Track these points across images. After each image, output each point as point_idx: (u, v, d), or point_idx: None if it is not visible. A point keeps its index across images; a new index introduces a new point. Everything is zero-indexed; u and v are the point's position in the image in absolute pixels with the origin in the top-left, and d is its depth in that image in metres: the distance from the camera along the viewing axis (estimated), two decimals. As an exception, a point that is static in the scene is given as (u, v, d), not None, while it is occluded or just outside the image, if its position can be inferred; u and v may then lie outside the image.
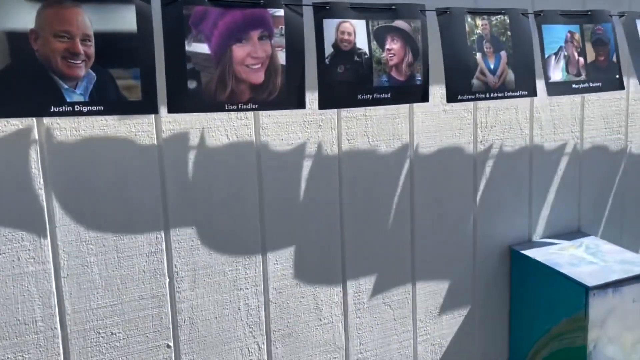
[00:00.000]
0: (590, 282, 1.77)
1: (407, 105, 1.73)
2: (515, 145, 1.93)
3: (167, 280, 1.48)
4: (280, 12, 1.21)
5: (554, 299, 1.86)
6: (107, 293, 1.42)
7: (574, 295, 1.80)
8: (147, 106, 1.12)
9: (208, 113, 1.45)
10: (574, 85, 1.64)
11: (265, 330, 1.62)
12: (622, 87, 1.74)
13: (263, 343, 1.62)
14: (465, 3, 1.58)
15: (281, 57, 1.22)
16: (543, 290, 1.90)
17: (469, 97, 1.45)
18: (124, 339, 1.45)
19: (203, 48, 1.15)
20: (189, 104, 1.14)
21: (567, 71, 1.62)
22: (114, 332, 1.44)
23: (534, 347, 1.96)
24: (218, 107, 1.17)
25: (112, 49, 1.10)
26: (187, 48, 1.14)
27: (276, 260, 1.61)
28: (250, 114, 1.50)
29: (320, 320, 1.70)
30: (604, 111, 2.09)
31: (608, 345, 1.83)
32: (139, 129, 1.39)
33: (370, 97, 1.32)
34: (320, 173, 1.63)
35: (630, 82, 2.12)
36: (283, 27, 1.22)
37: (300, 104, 1.26)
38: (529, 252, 1.94)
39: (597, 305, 1.78)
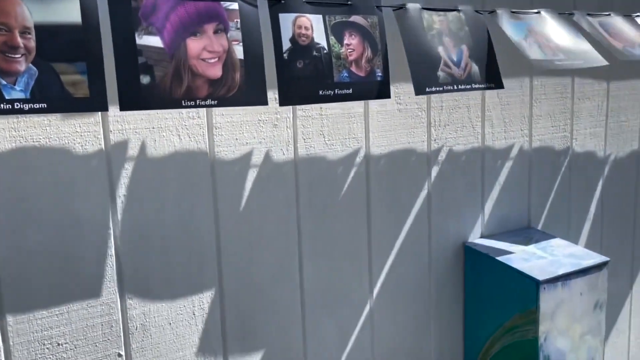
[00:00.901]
0: (540, 276, 1.82)
1: (362, 105, 1.73)
2: (467, 144, 1.97)
3: (117, 286, 1.41)
4: (235, 6, 1.17)
5: (507, 293, 1.91)
6: (52, 302, 1.33)
7: (525, 289, 1.84)
8: (96, 103, 1.06)
9: (159, 111, 1.40)
10: (557, 62, 1.63)
11: (221, 334, 1.57)
12: (604, 62, 1.72)
13: (220, 347, 1.57)
14: (418, 0, 1.59)
15: (238, 52, 1.18)
16: (496, 285, 1.94)
17: (437, 89, 1.44)
18: (71, 349, 1.37)
19: (155, 41, 1.09)
20: (142, 101, 1.08)
21: (544, 52, 1.62)
22: (60, 342, 1.36)
23: (487, 341, 2.00)
24: (175, 104, 1.11)
25: (55, 42, 1.03)
26: (137, 41, 1.08)
27: (232, 262, 1.56)
28: (202, 113, 1.46)
29: (279, 322, 1.66)
30: (550, 110, 2.16)
31: (558, 337, 1.89)
32: (85, 129, 1.32)
33: (332, 92, 1.30)
34: (276, 173, 1.60)
35: (575, 81, 2.20)
36: (238, 20, 1.18)
37: (263, 100, 1.22)
38: (481, 248, 1.98)
39: (547, 298, 1.84)
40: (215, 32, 1.15)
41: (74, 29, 1.04)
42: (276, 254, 1.63)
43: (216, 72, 1.14)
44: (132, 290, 1.43)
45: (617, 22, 1.90)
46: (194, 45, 1.13)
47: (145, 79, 1.08)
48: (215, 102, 1.14)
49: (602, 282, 1.96)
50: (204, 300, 1.53)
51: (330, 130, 1.68)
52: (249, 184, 1.56)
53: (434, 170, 1.91)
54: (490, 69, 1.55)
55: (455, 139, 1.93)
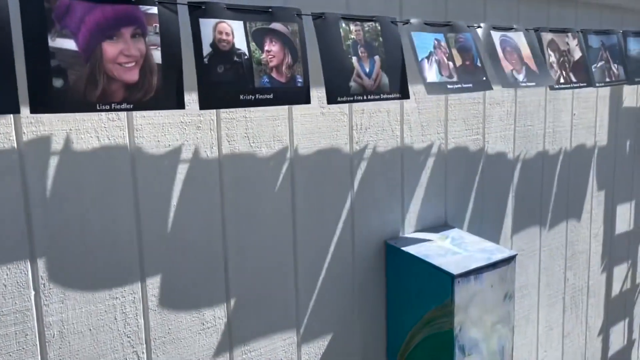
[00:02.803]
0: (455, 270, 1.93)
1: (286, 108, 1.77)
2: (387, 146, 2.05)
3: (33, 293, 1.37)
4: (154, 10, 1.18)
5: (425, 288, 2.01)
6: (-40, 312, 1.27)
7: (441, 284, 1.95)
8: (6, 104, 1.03)
9: (77, 113, 1.37)
10: (449, 86, 1.76)
11: (144, 339, 1.56)
12: (490, 88, 1.90)
13: (143, 352, 1.56)
14: (338, 8, 1.65)
15: (156, 56, 1.18)
16: (415, 280, 2.03)
17: (348, 98, 1.52)
18: (-19, 361, 1.32)
19: (69, 44, 1.08)
20: (54, 104, 1.07)
21: (441, 73, 1.75)
22: (-31, 354, 1.30)
23: (408, 334, 2.09)
24: (88, 107, 1.10)
25: (-40, 42, 1.00)
26: (50, 44, 1.06)
27: (154, 266, 1.55)
28: (122, 114, 1.44)
29: (204, 324, 1.67)
30: (464, 114, 2.29)
31: (472, 327, 2.02)
32: (-4, 129, 1.27)
33: (253, 97, 1.33)
34: (199, 176, 1.60)
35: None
36: (157, 25, 1.18)
37: (179, 104, 1.23)
38: (401, 245, 2.08)
39: (461, 291, 1.95)
40: (133, 36, 1.15)
41: (-19, 29, 1.01)
42: (200, 256, 1.64)
43: (132, 76, 1.14)
44: (49, 297, 1.39)
45: (519, 37, 2.05)
46: (110, 49, 1.12)
47: (58, 82, 1.06)
48: (131, 106, 1.14)
49: (510, 274, 2.11)
50: (126, 305, 1.51)
51: (255, 132, 1.70)
52: (171, 187, 1.56)
53: (357, 172, 1.98)
54: (399, 80, 1.65)
55: (376, 141, 2.01)
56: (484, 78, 1.87)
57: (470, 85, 1.82)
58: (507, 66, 1.96)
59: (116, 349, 1.51)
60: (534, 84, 2.03)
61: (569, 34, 2.26)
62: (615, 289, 3.35)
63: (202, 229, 1.63)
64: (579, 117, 2.85)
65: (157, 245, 1.55)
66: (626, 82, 2.50)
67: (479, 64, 1.88)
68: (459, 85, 1.78)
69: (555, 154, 2.77)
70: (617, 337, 3.46)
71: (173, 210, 1.56)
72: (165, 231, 1.56)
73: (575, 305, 3.06)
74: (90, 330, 1.46)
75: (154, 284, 1.55)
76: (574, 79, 2.23)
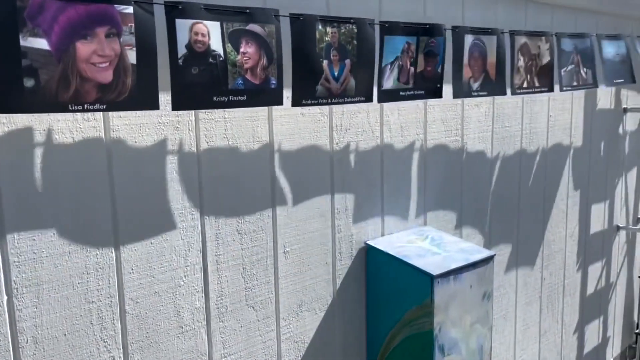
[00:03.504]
0: (434, 271, 1.94)
1: (266, 108, 1.76)
2: (368, 147, 2.06)
3: (5, 298, 1.34)
4: (130, 10, 1.16)
5: (405, 289, 2.02)
6: None
7: (421, 284, 1.96)
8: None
9: (51, 113, 1.34)
10: (401, 93, 1.80)
11: (121, 343, 1.54)
12: (440, 96, 1.94)
13: (120, 357, 1.54)
14: (318, 10, 1.65)
15: (131, 57, 1.17)
16: (395, 281, 2.04)
17: (313, 101, 1.53)
18: (-49, 368, 1.28)
19: (41, 44, 1.06)
20: (25, 104, 1.04)
21: (399, 80, 1.78)
22: (-62, 362, 1.26)
23: (388, 335, 2.10)
24: (60, 108, 1.08)
25: None
26: (22, 43, 1.04)
27: (131, 269, 1.53)
28: (99, 115, 1.42)
29: (182, 327, 1.65)
30: (443, 115, 2.31)
31: (451, 327, 2.03)
32: (-34, 131, 1.24)
33: (226, 99, 1.32)
34: (178, 176, 1.59)
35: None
36: (132, 25, 1.17)
37: (154, 105, 1.22)
38: (382, 247, 2.08)
39: (441, 291, 1.97)
40: (108, 36, 1.13)
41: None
42: (178, 258, 1.62)
43: (106, 76, 1.13)
44: (22, 301, 1.36)
45: (490, 43, 2.07)
46: (83, 48, 1.10)
47: (29, 82, 1.04)
48: (104, 106, 1.13)
49: (489, 274, 2.13)
50: (102, 309, 1.49)
51: (234, 133, 1.69)
52: (149, 188, 1.54)
53: (337, 173, 1.98)
54: (366, 83, 1.66)
55: (356, 142, 2.02)
56: (438, 85, 1.91)
57: (423, 92, 1.86)
58: (466, 73, 2.00)
59: (92, 354, 1.48)
60: (485, 93, 2.09)
61: (543, 38, 2.29)
62: (590, 288, 3.41)
63: (181, 230, 1.61)
64: (555, 118, 2.90)
65: (134, 248, 1.53)
66: (593, 86, 2.55)
67: (439, 70, 1.91)
68: (412, 92, 1.82)
69: (532, 155, 2.80)
70: (592, 335, 3.52)
71: (151, 212, 1.55)
72: (143, 233, 1.54)
73: (551, 303, 3.11)
74: (65, 335, 1.43)
75: (131, 287, 1.53)
76: (537, 84, 2.28)
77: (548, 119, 2.85)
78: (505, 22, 2.46)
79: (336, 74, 1.56)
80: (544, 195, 2.91)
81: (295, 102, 1.51)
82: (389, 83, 1.72)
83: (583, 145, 3.12)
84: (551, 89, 2.35)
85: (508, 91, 2.21)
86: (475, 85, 2.04)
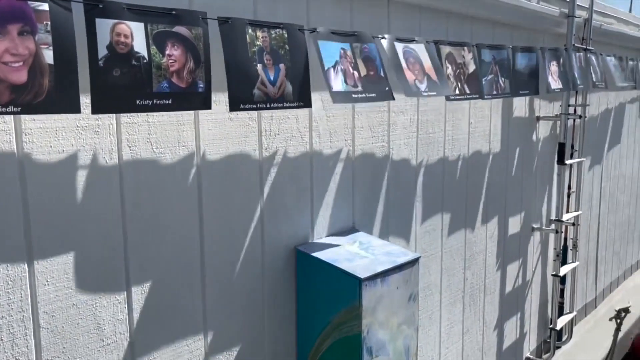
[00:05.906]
0: (362, 274, 1.98)
1: (192, 112, 1.72)
2: (297, 152, 2.06)
3: None
4: (45, 7, 1.10)
5: (334, 292, 2.04)
6: None
7: (349, 287, 1.99)
8: None
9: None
10: (353, 95, 1.81)
11: (36, 360, 1.44)
12: (392, 98, 1.97)
13: (34, 375, 1.44)
14: (245, 15, 1.63)
15: (48, 56, 1.10)
16: (324, 284, 2.06)
17: (251, 106, 1.51)
18: None
19: (-56, 40, 0.98)
20: None
21: (346, 82, 1.79)
22: None
23: (317, 339, 2.11)
24: (-33, 110, 1.00)
25: None
26: None
27: (46, 281, 1.44)
28: (9, 118, 1.33)
29: (103, 340, 1.58)
30: (370, 122, 2.36)
31: (379, 329, 2.07)
32: None
33: (150, 102, 1.27)
34: (98, 183, 1.52)
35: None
36: (48, 22, 1.10)
37: (74, 108, 1.15)
38: (311, 251, 2.09)
39: (369, 294, 2.00)
40: (21, 33, 1.06)
41: None
42: (98, 268, 1.54)
43: (20, 77, 1.06)
44: None
45: (420, 49, 2.15)
46: (-7, 46, 1.03)
47: None
48: (19, 109, 1.05)
49: (414, 276, 2.19)
50: (13, 324, 1.39)
51: (158, 137, 1.64)
52: (66, 195, 1.46)
53: (266, 178, 1.96)
54: (302, 88, 1.67)
55: (285, 147, 2.02)
56: (387, 88, 1.94)
57: (374, 95, 1.88)
58: (410, 76, 2.04)
59: (2, 373, 1.38)
60: (434, 93, 2.14)
61: (465, 48, 2.40)
62: (509, 286, 3.59)
63: (101, 239, 1.54)
64: (475, 125, 3.04)
65: (50, 259, 1.44)
66: (510, 95, 2.70)
67: (382, 74, 1.94)
68: (364, 95, 1.83)
69: (455, 160, 2.92)
70: (511, 331, 3.71)
71: (68, 220, 1.46)
72: (60, 244, 1.45)
73: (473, 302, 3.25)
74: (-29, 354, 1.33)
75: (45, 300, 1.44)
76: (467, 91, 2.38)
77: (469, 126, 2.99)
78: (429, 32, 2.55)
79: (272, 78, 1.55)
80: (465, 198, 3.04)
81: (234, 107, 1.48)
82: (337, 85, 1.72)
83: (501, 151, 3.29)
84: (482, 96, 2.46)
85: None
86: (423, 87, 2.08)
